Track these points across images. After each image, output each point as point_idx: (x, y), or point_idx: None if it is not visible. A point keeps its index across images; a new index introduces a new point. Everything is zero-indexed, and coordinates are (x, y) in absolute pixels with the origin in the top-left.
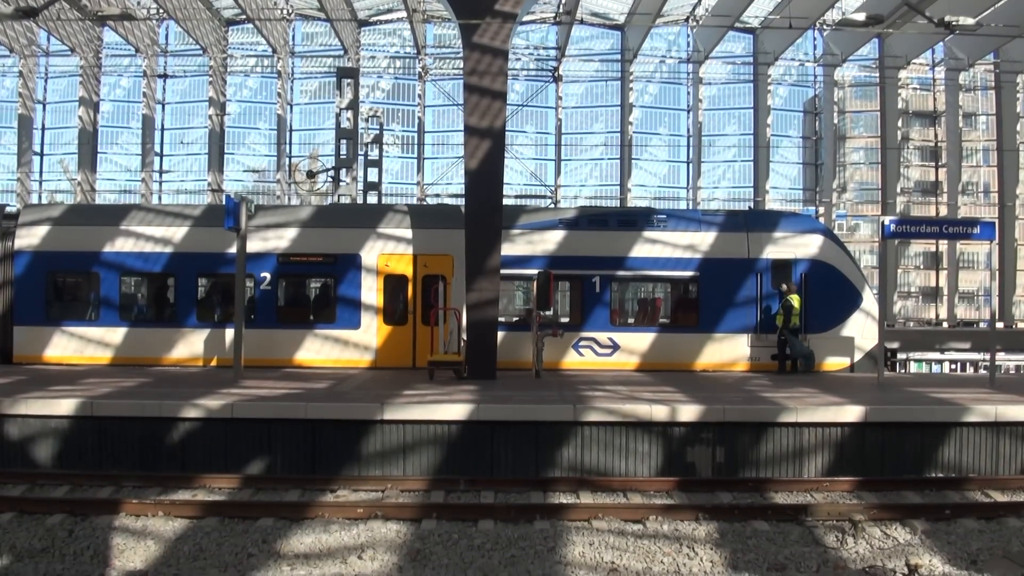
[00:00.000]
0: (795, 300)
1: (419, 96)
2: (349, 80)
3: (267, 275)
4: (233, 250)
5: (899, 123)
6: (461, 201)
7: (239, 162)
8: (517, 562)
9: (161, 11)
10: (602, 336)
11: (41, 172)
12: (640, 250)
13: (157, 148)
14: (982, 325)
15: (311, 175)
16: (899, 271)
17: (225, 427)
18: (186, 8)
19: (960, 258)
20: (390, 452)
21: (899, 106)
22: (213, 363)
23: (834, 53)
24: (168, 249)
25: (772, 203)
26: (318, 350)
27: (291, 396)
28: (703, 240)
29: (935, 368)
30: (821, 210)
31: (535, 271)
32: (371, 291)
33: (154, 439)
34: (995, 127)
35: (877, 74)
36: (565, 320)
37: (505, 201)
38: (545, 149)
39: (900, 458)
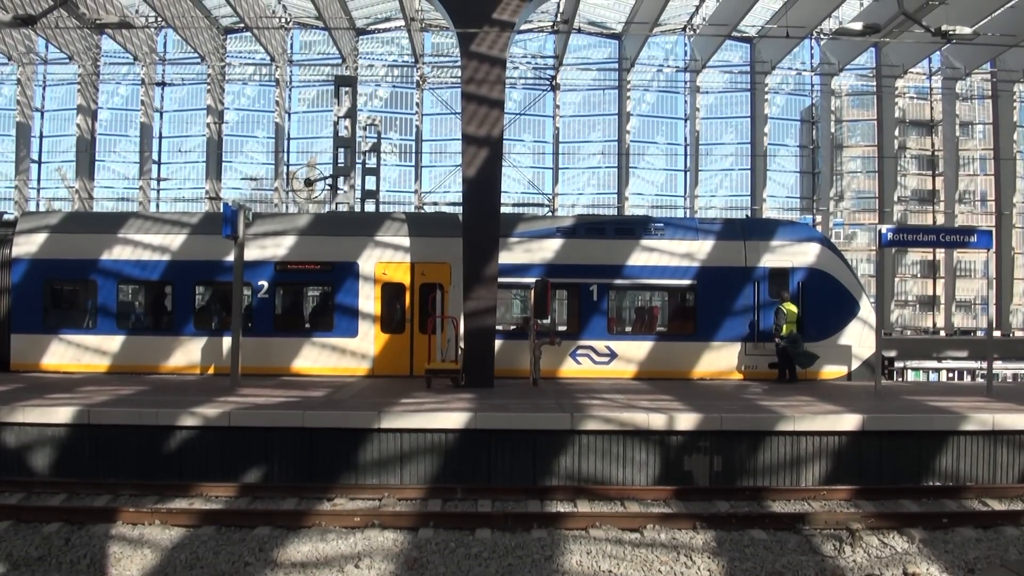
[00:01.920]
0: (790, 307)
1: (417, 104)
2: (347, 88)
3: (264, 283)
4: (231, 258)
5: (896, 132)
6: (459, 209)
7: (237, 170)
8: (514, 571)
9: (159, 19)
10: (599, 344)
11: (39, 180)
12: (637, 258)
13: (155, 156)
14: (979, 334)
15: (309, 183)
16: (896, 279)
17: (222, 435)
18: (184, 16)
19: (957, 267)
20: (387, 461)
21: (896, 115)
22: (210, 371)
23: (831, 62)
24: (166, 257)
25: (769, 211)
26: (315, 358)
27: (288, 404)
28: (700, 248)
29: (932, 377)
30: (818, 218)
31: (532, 279)
32: (368, 299)
33: (151, 447)
34: (992, 136)
35: (874, 83)
36: (562, 328)
37: (503, 209)
38: (543, 157)
39: (898, 467)
